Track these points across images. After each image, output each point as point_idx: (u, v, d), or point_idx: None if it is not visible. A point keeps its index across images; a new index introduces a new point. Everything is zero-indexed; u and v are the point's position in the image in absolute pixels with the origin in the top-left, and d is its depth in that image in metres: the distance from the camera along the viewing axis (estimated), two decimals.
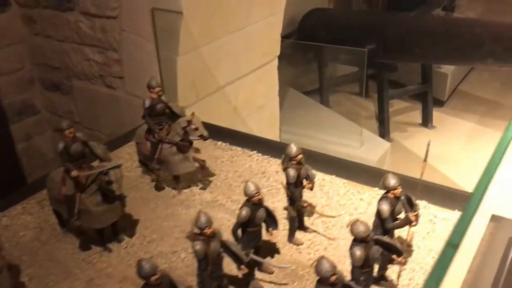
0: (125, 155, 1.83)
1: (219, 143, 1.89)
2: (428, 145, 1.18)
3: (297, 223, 1.36)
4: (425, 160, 1.18)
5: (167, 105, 1.53)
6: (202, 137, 1.45)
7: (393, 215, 1.15)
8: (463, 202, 1.51)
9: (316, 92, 4.51)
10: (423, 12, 3.59)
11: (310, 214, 1.46)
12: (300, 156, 1.29)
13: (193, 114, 1.46)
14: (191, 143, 1.49)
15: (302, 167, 1.30)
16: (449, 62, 3.62)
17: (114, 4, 2.14)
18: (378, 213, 1.15)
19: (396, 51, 3.58)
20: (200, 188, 1.60)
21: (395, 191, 1.13)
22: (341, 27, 4.07)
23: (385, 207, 1.13)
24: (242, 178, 1.65)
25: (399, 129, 4.03)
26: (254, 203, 1.16)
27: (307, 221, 1.43)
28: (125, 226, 1.44)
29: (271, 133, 2.98)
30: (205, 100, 2.33)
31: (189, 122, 1.44)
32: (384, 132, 3.82)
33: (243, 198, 1.24)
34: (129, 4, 2.10)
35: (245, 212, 1.15)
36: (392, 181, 1.14)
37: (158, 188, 1.61)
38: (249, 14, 2.39)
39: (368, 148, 3.12)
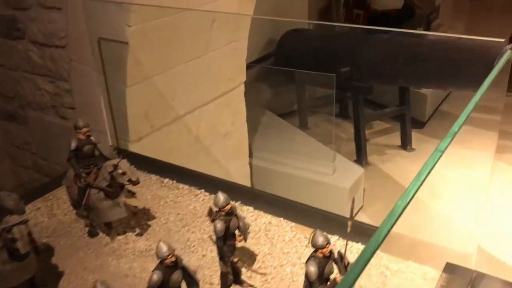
0: (63, 195, 1.72)
1: (166, 180, 1.78)
2: (353, 202, 1.09)
3: (232, 278, 1.25)
4: (350, 218, 1.09)
5: (96, 146, 1.43)
6: (130, 181, 1.35)
7: (322, 276, 1.04)
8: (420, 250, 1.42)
9: (295, 113, 4.44)
10: (400, 33, 3.51)
11: (251, 263, 1.35)
12: (228, 206, 1.18)
13: (122, 156, 1.36)
14: (122, 187, 1.39)
15: (231, 218, 1.19)
16: (425, 86, 3.53)
17: (61, 33, 2.05)
18: (306, 275, 1.04)
19: (370, 73, 3.50)
20: (136, 234, 1.49)
21: (323, 250, 1.03)
22: (317, 48, 4.00)
23: (312, 269, 1.02)
24: (184, 222, 1.54)
25: (377, 152, 3.93)
26: (167, 265, 1.05)
27: (245, 273, 1.32)
28: (47, 280, 1.32)
29: (239, 161, 2.88)
30: (161, 131, 2.23)
31: (116, 167, 1.33)
32: (361, 155, 3.73)
33: (182, 246, 1.13)
34: (76, 34, 2.00)
35: (156, 276, 1.04)
36: (320, 239, 1.03)
37: (92, 234, 1.50)
38: (208, 42, 2.30)
39: (340, 175, 3.02)
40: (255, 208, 1.58)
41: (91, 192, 1.38)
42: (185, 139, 2.40)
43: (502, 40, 1.31)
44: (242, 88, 2.73)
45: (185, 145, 2.40)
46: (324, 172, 3.02)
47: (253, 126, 3.61)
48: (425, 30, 5.12)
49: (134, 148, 2.08)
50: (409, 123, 3.84)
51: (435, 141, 4.02)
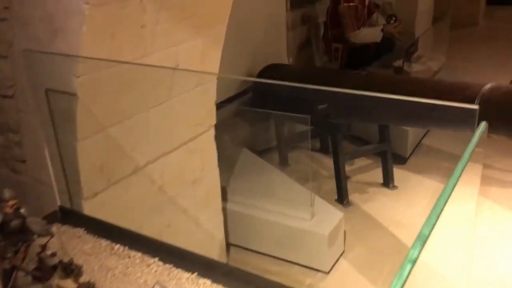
0: None
1: (117, 246, 1.61)
2: None
3: None
4: None
5: (26, 220, 1.26)
6: (62, 264, 1.18)
7: None
8: None
9: (275, 149, 4.30)
10: (377, 70, 3.43)
11: None
12: None
13: (51, 234, 1.20)
14: (54, 268, 1.22)
15: None
16: (402, 124, 3.43)
17: (8, 82, 1.90)
18: None
19: (347, 111, 3.39)
20: None
21: None
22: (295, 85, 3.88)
23: None
24: None
25: (359, 190, 3.79)
26: None
27: None
28: None
29: (211, 208, 2.72)
30: (119, 184, 2.06)
31: (44, 247, 1.17)
32: (342, 194, 3.58)
33: None
34: (23, 83, 1.85)
35: None
36: None
37: None
38: (170, 88, 2.17)
39: (319, 220, 2.86)
40: (213, 281, 1.41)
41: (18, 275, 1.21)
42: (148, 190, 2.23)
43: (475, 107, 1.18)
44: (211, 132, 2.58)
45: (147, 197, 2.23)
46: (302, 218, 2.86)
47: (228, 167, 3.47)
48: (404, 62, 5.07)
49: (88, 205, 1.91)
50: (391, 160, 3.72)
51: (417, 177, 3.90)
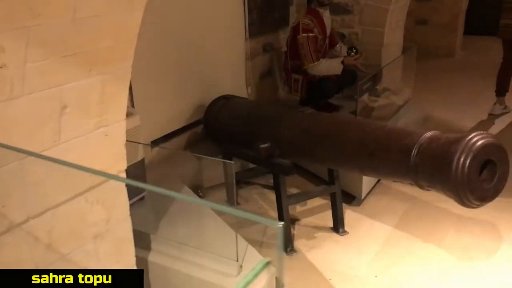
0: None
1: None
2: None
3: None
4: None
5: None
6: None
7: None
8: None
9: (223, 186, 4.03)
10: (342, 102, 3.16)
11: None
12: None
13: None
14: None
15: None
16: (341, 169, 3.17)
17: None
18: None
19: (290, 151, 3.13)
20: None
21: None
22: (242, 119, 3.64)
23: None
24: None
25: (306, 235, 3.50)
26: None
27: None
28: None
29: (120, 264, 2.41)
30: None
31: None
32: (286, 241, 3.30)
33: None
34: None
35: None
36: None
37: None
38: (57, 132, 1.89)
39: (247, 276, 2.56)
40: None
41: None
42: (31, 249, 1.93)
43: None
44: (123, 176, 2.30)
45: (31, 256, 1.94)
46: (228, 274, 2.57)
47: (160, 209, 3.19)
48: (369, 95, 4.86)
49: None
50: (340, 203, 3.45)
51: (371, 221, 3.64)
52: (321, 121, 2.95)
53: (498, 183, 2.06)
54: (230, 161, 2.55)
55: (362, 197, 3.82)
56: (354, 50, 4.57)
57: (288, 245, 3.28)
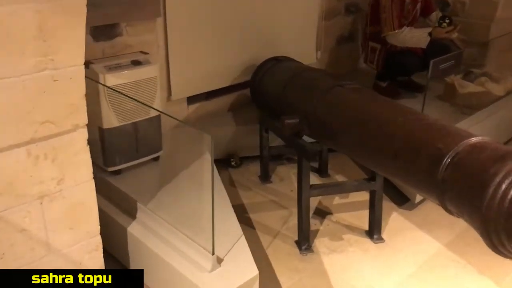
0: None
1: None
2: None
3: None
4: None
5: None
6: None
7: None
8: None
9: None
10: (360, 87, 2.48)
11: None
12: None
13: None
14: None
15: None
16: (369, 167, 2.47)
17: None
18: None
19: (318, 131, 2.55)
20: None
21: None
22: (281, 85, 3.09)
23: None
24: None
25: (332, 235, 2.91)
26: None
27: None
28: None
29: (74, 232, 2.10)
30: None
31: None
32: (301, 238, 2.77)
33: None
34: None
35: None
36: None
37: None
38: None
39: (220, 276, 2.11)
40: None
41: None
42: None
43: None
44: (80, 135, 1.95)
45: None
46: (201, 267, 2.14)
47: (165, 174, 2.84)
48: (464, 78, 4.00)
49: None
50: (380, 205, 2.80)
51: (419, 233, 2.96)
52: (355, 101, 2.31)
53: None
54: (208, 135, 2.06)
55: (416, 201, 3.13)
56: (447, 21, 3.71)
57: (304, 243, 2.76)
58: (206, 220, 2.30)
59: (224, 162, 3.60)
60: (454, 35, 3.86)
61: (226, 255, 2.24)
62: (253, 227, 2.97)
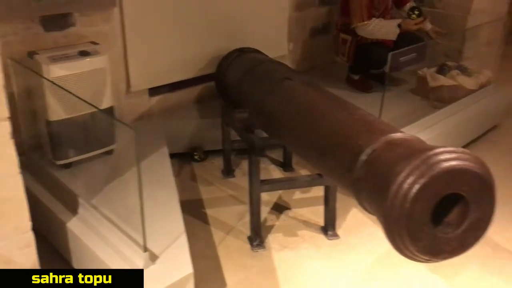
0: None
1: None
2: None
3: None
4: None
5: None
6: None
7: None
8: None
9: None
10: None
11: None
12: None
13: None
14: None
15: None
16: (303, 159, 2.39)
17: None
18: None
19: (268, 126, 2.47)
20: None
21: None
22: (240, 77, 3.01)
23: None
24: None
25: (287, 231, 2.85)
26: None
27: None
28: None
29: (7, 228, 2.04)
30: None
31: None
32: (253, 234, 2.71)
33: None
34: None
35: None
36: None
37: None
38: None
39: (153, 273, 2.05)
40: None
41: None
42: None
43: None
44: (3, 126, 1.88)
45: None
46: (133, 264, 2.09)
47: (116, 167, 2.78)
48: (438, 72, 3.91)
49: None
50: (333, 200, 2.73)
51: (375, 230, 2.88)
52: (299, 95, 2.24)
53: (467, 233, 1.29)
54: (131, 129, 1.97)
55: None
56: (417, 12, 3.62)
57: (256, 239, 2.69)
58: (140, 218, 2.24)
59: (187, 156, 3.53)
60: (428, 27, 3.78)
61: (162, 252, 2.18)
62: (207, 223, 2.90)
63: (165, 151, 3.03)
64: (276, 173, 3.46)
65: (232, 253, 2.66)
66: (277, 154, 3.57)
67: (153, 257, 2.13)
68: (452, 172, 1.22)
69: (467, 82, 3.77)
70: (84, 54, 2.65)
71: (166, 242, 2.24)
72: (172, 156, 3.47)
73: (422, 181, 1.21)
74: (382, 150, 1.43)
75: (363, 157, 1.46)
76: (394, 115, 3.51)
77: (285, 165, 3.46)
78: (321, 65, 4.51)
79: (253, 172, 2.57)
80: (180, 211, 2.47)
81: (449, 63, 4.00)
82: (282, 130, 2.24)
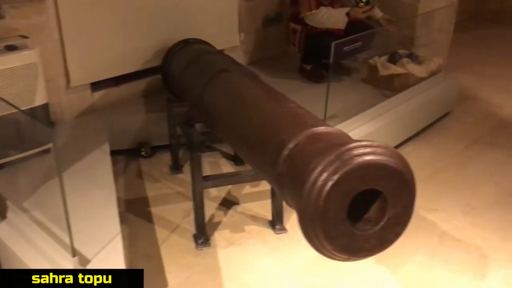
0: None
1: None
2: None
3: None
4: None
5: None
6: None
7: None
8: None
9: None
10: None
11: None
12: None
13: None
14: None
15: None
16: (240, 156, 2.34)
17: None
18: None
19: (206, 120, 2.39)
20: None
21: None
22: (182, 69, 2.91)
23: None
24: None
25: (234, 227, 2.78)
26: None
27: None
28: None
29: None
30: None
31: None
32: (198, 231, 2.63)
33: None
34: None
35: None
36: None
37: None
38: None
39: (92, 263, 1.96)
40: None
41: None
42: None
43: None
44: None
45: None
46: (63, 255, 1.98)
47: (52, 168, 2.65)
48: (389, 61, 3.88)
49: None
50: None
51: None
52: (234, 87, 2.16)
53: (386, 230, 1.24)
54: (50, 129, 1.86)
55: None
56: (364, 0, 3.58)
57: (201, 236, 2.62)
58: (73, 220, 2.13)
59: (134, 152, 3.42)
60: (379, 14, 3.75)
61: (95, 256, 2.07)
62: (152, 222, 2.81)
63: (106, 149, 2.91)
64: (227, 167, 3.38)
65: (175, 252, 2.58)
66: (229, 148, 3.49)
67: (84, 262, 2.02)
68: (366, 167, 1.16)
69: (417, 70, 3.76)
70: (11, 48, 2.50)
71: (100, 245, 2.13)
72: (118, 152, 3.38)
73: (335, 177, 1.15)
74: (303, 145, 1.36)
75: (285, 152, 1.39)
76: (345, 105, 3.49)
77: (236, 159, 3.38)
78: (274, 55, 4.43)
79: (194, 169, 2.49)
80: (117, 212, 2.36)
81: (401, 51, 3.98)
82: (217, 124, 2.16)
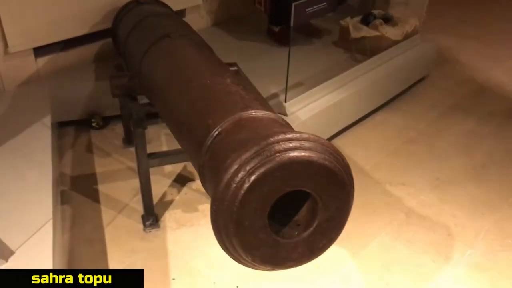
0: None
1: None
2: None
3: None
4: None
5: None
6: None
7: None
8: None
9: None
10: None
11: None
12: None
13: None
14: None
15: None
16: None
17: None
18: None
19: (145, 92, 2.14)
20: None
21: None
22: (128, 32, 2.62)
23: None
24: None
25: (187, 206, 2.58)
26: None
27: None
28: None
29: None
30: None
31: None
32: (146, 212, 2.43)
33: None
34: None
35: None
36: None
37: None
38: None
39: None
40: None
41: None
42: None
43: None
44: None
45: None
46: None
47: None
48: (362, 23, 3.62)
49: None
50: None
51: None
52: (175, 57, 1.90)
53: (316, 236, 1.04)
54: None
55: None
56: None
57: (149, 218, 2.42)
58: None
59: (84, 123, 3.16)
60: None
61: (20, 246, 1.87)
62: (98, 202, 2.59)
63: (47, 122, 2.66)
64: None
65: (121, 235, 2.38)
66: None
67: (7, 253, 1.82)
68: (289, 166, 0.95)
69: (391, 32, 3.51)
70: None
71: (27, 234, 1.93)
72: (68, 124, 3.14)
73: (252, 179, 0.94)
74: (226, 133, 1.14)
75: (209, 140, 1.17)
76: (313, 71, 3.25)
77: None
78: (241, 15, 4.13)
79: (138, 146, 2.26)
80: (51, 194, 2.14)
81: (376, 12, 3.71)
82: (154, 98, 1.92)
